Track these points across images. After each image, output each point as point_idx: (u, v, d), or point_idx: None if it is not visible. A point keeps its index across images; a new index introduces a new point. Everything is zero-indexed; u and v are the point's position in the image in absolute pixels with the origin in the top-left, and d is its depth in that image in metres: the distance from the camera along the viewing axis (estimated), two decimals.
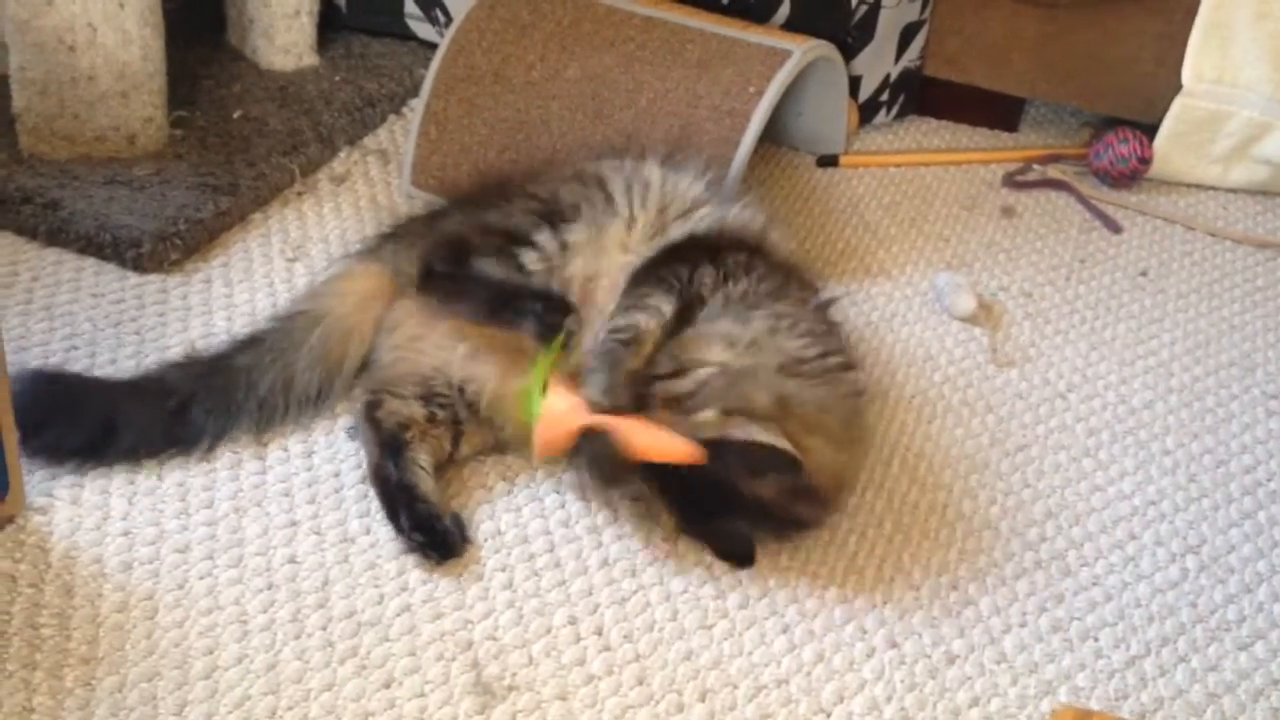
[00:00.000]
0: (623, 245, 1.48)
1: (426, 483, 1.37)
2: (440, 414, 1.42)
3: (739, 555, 1.33)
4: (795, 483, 1.30)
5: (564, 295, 1.42)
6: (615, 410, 1.31)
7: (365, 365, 1.49)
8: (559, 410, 1.32)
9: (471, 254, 1.45)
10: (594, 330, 1.42)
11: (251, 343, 1.46)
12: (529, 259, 1.45)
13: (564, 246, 1.46)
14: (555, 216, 1.48)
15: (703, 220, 1.50)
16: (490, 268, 1.44)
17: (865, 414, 1.50)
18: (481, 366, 1.43)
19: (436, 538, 1.32)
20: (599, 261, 1.46)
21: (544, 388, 1.33)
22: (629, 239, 1.48)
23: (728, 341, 1.36)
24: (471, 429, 1.43)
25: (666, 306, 1.39)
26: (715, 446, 1.28)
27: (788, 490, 1.30)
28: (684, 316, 1.39)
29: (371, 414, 1.41)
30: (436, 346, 1.45)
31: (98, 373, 1.50)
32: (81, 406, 1.38)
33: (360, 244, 1.65)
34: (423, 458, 1.38)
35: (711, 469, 1.27)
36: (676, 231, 1.49)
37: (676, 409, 1.31)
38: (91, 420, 1.37)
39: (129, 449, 1.37)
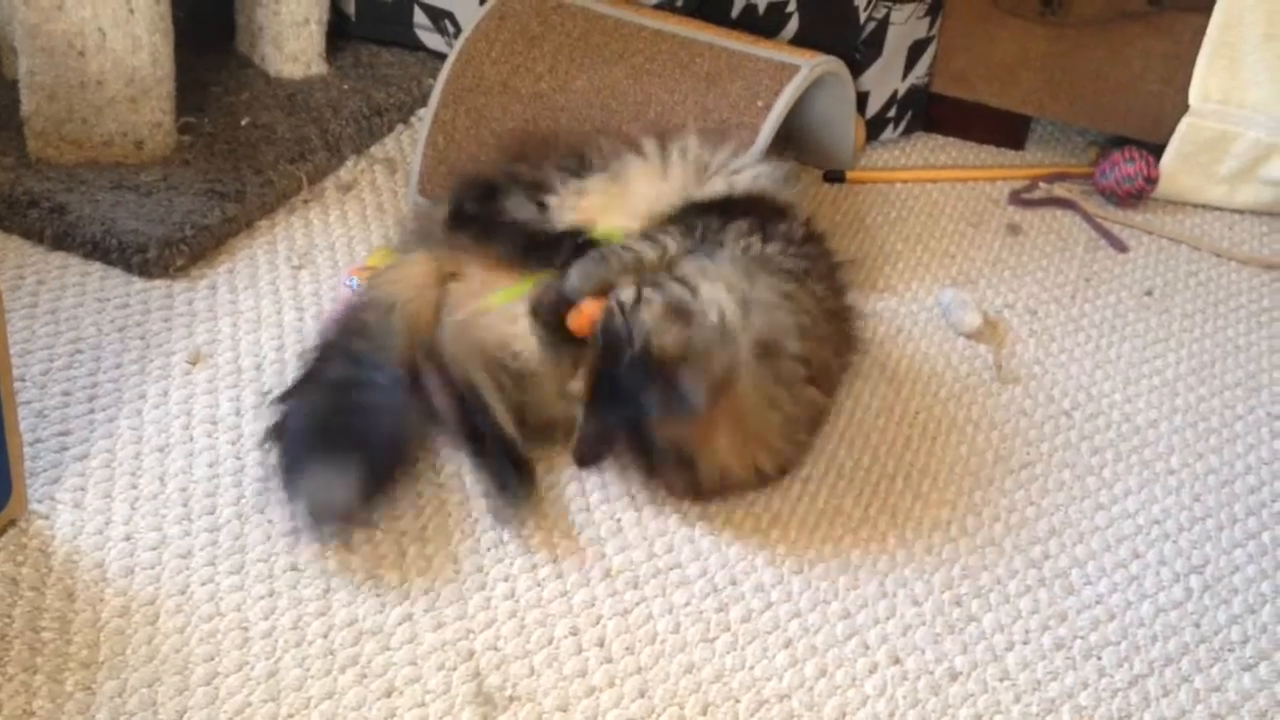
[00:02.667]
0: (649, 188, 1.51)
1: (510, 428, 1.39)
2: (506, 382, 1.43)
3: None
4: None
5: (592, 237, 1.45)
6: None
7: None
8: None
9: (499, 193, 1.49)
10: None
11: (356, 338, 1.46)
12: (550, 201, 1.49)
13: (580, 193, 1.51)
14: (583, 170, 1.53)
15: (742, 174, 1.54)
16: (517, 208, 1.47)
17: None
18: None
19: (525, 473, 1.36)
20: (617, 202, 1.51)
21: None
22: (660, 184, 1.52)
23: (718, 282, 1.37)
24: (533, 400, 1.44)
25: (674, 244, 1.41)
26: None
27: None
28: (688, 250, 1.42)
29: (445, 377, 1.41)
30: (496, 320, 1.46)
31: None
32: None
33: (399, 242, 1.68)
34: (501, 409, 1.40)
35: None
36: (718, 184, 1.53)
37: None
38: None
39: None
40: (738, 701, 1.23)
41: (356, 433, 1.35)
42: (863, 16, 2.03)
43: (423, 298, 1.50)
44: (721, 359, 1.32)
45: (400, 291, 1.50)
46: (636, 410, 1.31)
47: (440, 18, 2.15)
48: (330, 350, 1.45)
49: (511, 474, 1.37)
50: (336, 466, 1.31)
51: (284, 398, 1.43)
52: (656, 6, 1.99)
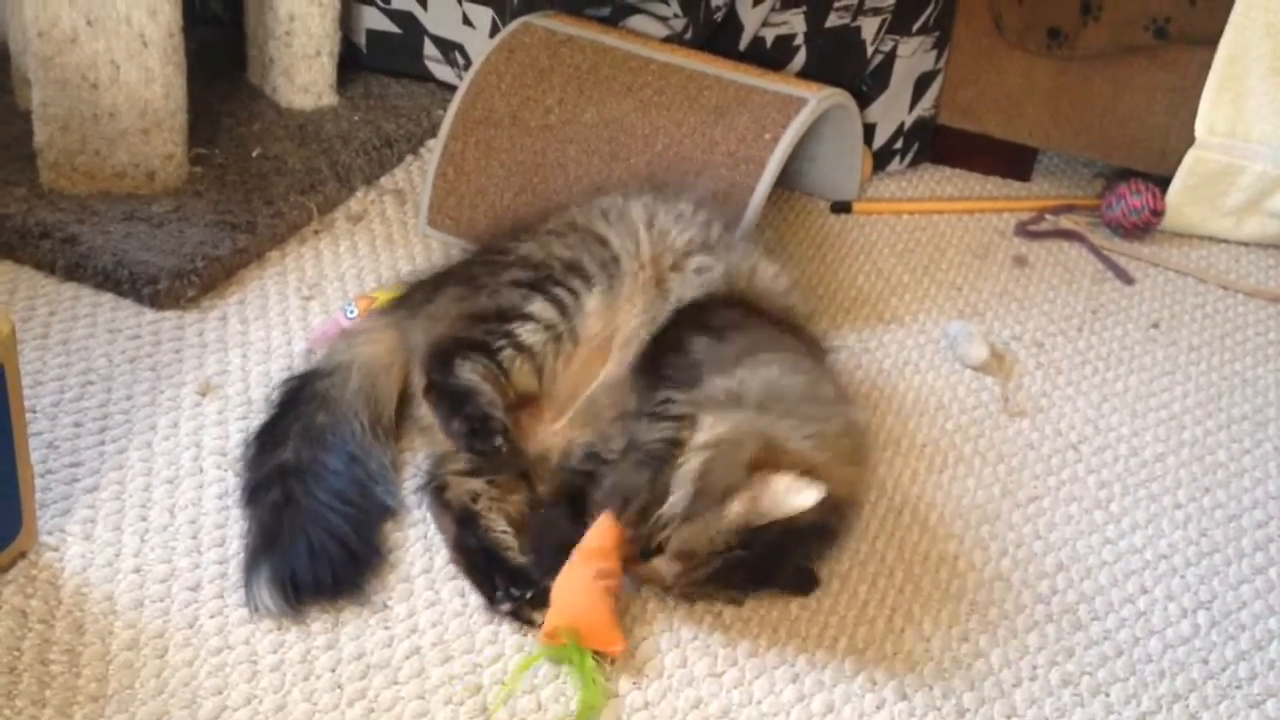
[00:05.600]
0: (630, 299, 1.50)
1: (508, 541, 1.36)
2: (500, 477, 1.41)
3: (805, 585, 1.37)
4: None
5: (499, 418, 1.40)
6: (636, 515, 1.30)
7: (403, 413, 1.51)
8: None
9: (454, 357, 1.45)
10: (604, 384, 1.45)
11: (311, 399, 1.46)
12: (524, 332, 1.46)
13: (564, 312, 1.47)
14: (547, 282, 1.49)
15: (699, 274, 1.52)
16: (468, 373, 1.43)
17: (867, 437, 1.53)
18: (518, 418, 1.45)
19: (537, 589, 1.30)
20: (614, 318, 1.49)
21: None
22: (635, 290, 1.50)
23: (720, 403, 1.36)
24: (541, 471, 1.44)
25: (688, 408, 1.36)
26: None
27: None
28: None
29: (441, 498, 1.41)
30: None
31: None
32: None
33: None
34: (499, 524, 1.38)
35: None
36: (674, 282, 1.51)
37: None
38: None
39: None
40: None
41: (304, 546, 1.32)
42: (870, 49, 2.04)
43: (393, 356, 1.50)
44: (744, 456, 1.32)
45: (366, 351, 1.50)
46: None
47: (450, 49, 2.16)
48: (289, 421, 1.44)
49: (522, 593, 1.31)
50: (283, 589, 1.29)
51: (243, 489, 1.40)
52: (664, 40, 2.00)
